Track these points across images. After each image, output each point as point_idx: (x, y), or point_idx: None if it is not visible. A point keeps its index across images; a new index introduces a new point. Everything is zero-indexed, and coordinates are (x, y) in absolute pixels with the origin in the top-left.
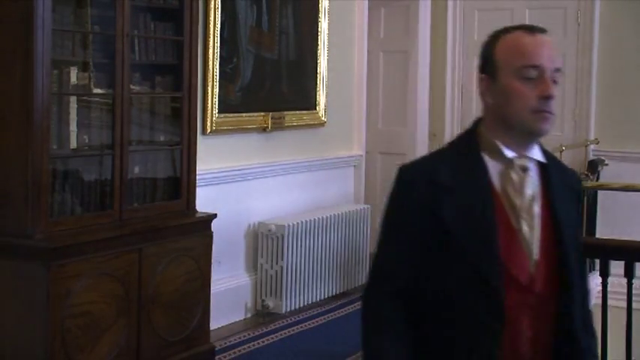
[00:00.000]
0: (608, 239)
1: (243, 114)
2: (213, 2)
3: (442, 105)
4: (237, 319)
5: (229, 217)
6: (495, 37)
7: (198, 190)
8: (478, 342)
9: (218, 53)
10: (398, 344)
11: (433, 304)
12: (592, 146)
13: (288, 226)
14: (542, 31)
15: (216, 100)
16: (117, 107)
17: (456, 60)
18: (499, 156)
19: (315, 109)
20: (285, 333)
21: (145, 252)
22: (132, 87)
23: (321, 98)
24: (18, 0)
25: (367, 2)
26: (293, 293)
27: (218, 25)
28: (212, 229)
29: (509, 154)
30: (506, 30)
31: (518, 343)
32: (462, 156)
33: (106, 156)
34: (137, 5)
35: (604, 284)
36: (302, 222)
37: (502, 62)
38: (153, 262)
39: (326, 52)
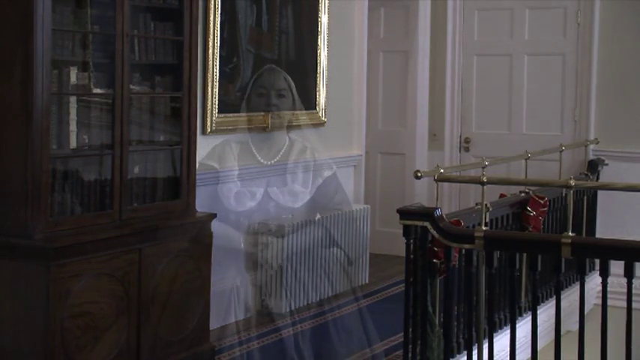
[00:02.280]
0: (608, 239)
1: (243, 114)
2: (213, 2)
3: (442, 105)
4: (238, 319)
5: (229, 217)
6: None
7: (198, 190)
8: None
9: (218, 53)
10: None
11: None
12: (592, 146)
13: (288, 226)
14: None
15: (216, 100)
16: (117, 107)
17: (455, 60)
18: None
19: (315, 109)
20: (285, 333)
21: (144, 252)
22: (132, 87)
23: (321, 98)
24: (18, 0)
25: (367, 2)
26: (293, 293)
27: (218, 25)
28: (212, 229)
29: None
30: None
31: None
32: None
33: (106, 156)
34: (137, 5)
35: (604, 284)
36: (302, 222)
37: None
38: (153, 262)
39: (326, 52)
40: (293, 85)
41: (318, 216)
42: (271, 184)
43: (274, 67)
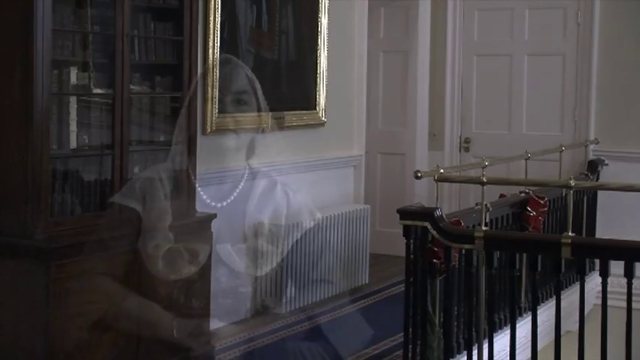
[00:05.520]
0: (608, 239)
1: (243, 114)
2: (213, 2)
3: (442, 105)
4: (237, 319)
5: (229, 217)
6: None
7: (198, 190)
8: None
9: (218, 53)
10: None
11: None
12: (592, 146)
13: (288, 226)
14: None
15: (216, 100)
16: (117, 107)
17: (455, 60)
18: None
19: (315, 109)
20: (285, 333)
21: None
22: (132, 87)
23: (321, 98)
24: (18, 0)
25: (367, 2)
26: (293, 293)
27: (218, 25)
28: (212, 229)
29: None
30: None
31: None
32: None
33: (106, 156)
34: (137, 5)
35: (604, 284)
36: (302, 222)
37: None
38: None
39: (326, 52)
40: (258, 85)
41: (291, 291)
42: (222, 239)
43: (233, 59)
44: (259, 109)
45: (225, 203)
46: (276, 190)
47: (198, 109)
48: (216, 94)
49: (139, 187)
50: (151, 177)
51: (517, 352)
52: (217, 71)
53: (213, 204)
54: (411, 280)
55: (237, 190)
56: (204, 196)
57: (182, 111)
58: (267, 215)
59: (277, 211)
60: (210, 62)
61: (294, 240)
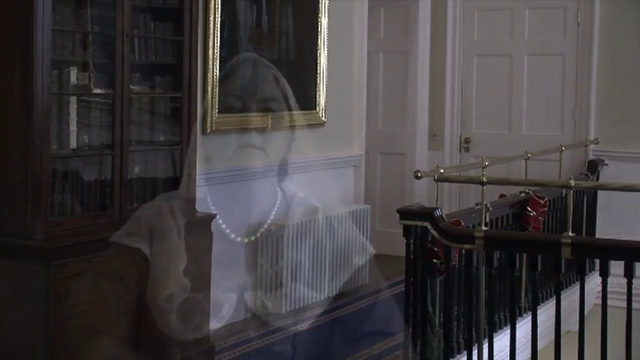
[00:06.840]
0: (608, 239)
1: (243, 114)
2: (213, 2)
3: (442, 105)
4: (237, 319)
5: (229, 217)
6: None
7: (197, 190)
8: None
9: (218, 53)
10: None
11: None
12: (592, 146)
13: (288, 226)
14: None
15: (216, 100)
16: (117, 107)
17: (456, 60)
18: None
19: (315, 109)
20: (285, 333)
21: (144, 252)
22: (132, 87)
23: (321, 98)
24: (18, 0)
25: (367, 2)
26: (293, 293)
27: (218, 25)
28: (212, 229)
29: None
30: None
31: None
32: None
33: (106, 156)
34: (137, 5)
35: (604, 284)
36: (302, 222)
37: None
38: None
39: (326, 52)
40: (289, 88)
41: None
42: (249, 286)
43: (257, 57)
44: (290, 115)
45: (253, 238)
46: (318, 217)
47: (198, 109)
48: (217, 93)
49: (145, 222)
50: (159, 209)
51: (517, 352)
52: (217, 70)
53: (239, 239)
54: (411, 280)
55: (268, 223)
56: (227, 230)
57: (189, 149)
58: (308, 253)
59: (320, 249)
60: (210, 61)
61: (342, 282)
